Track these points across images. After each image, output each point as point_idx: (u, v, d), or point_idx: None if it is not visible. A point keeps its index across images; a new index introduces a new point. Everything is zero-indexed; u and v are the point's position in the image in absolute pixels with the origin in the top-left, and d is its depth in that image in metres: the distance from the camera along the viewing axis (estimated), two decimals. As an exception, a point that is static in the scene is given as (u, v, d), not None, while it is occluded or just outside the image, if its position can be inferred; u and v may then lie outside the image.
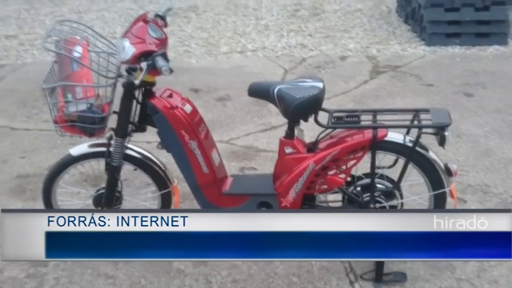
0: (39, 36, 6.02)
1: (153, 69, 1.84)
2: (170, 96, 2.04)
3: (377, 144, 1.88)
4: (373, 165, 1.93)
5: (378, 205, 1.99)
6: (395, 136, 1.91)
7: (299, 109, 1.87)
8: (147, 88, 2.00)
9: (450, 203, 2.05)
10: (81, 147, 2.14)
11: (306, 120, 1.96)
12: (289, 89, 1.89)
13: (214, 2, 6.95)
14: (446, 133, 1.80)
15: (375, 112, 1.99)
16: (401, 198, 2.03)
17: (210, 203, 2.14)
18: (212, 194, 2.11)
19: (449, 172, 1.93)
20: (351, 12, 6.23)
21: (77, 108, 1.94)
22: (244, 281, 2.16)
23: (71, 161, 2.15)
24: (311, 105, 1.88)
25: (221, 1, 6.96)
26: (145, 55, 1.81)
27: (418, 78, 4.22)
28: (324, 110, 2.02)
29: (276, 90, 1.92)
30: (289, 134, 1.98)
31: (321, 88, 1.90)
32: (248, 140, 3.39)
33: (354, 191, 2.03)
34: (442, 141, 1.82)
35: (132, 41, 1.84)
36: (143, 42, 1.83)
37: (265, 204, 2.10)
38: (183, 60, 5.04)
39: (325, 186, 2.00)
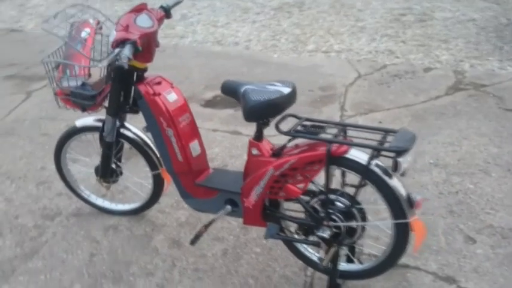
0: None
1: (137, 55, 1.97)
2: (158, 83, 2.14)
3: (334, 160, 1.78)
4: (327, 180, 1.83)
5: (332, 223, 1.88)
6: (355, 154, 1.78)
7: (252, 112, 1.84)
8: (138, 73, 2.12)
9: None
10: (85, 120, 2.35)
11: (263, 123, 1.91)
12: (252, 90, 1.87)
13: (323, -1, 6.90)
14: (400, 159, 1.64)
15: (344, 127, 1.88)
16: (364, 220, 1.90)
17: (185, 190, 2.22)
18: (187, 182, 2.18)
19: (410, 203, 1.76)
20: (462, 22, 5.73)
21: (68, 84, 2.14)
22: (205, 272, 2.20)
23: (75, 131, 2.37)
24: (265, 109, 1.83)
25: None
26: (123, 42, 1.92)
27: (500, 101, 3.78)
28: (294, 116, 1.96)
29: (242, 90, 1.91)
30: (257, 136, 1.96)
31: (284, 94, 1.84)
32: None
33: (314, 205, 1.94)
34: (394, 167, 1.66)
35: (117, 28, 1.97)
36: (123, 30, 1.94)
37: (232, 201, 2.12)
38: (266, 54, 5.12)
39: (284, 194, 1.94)
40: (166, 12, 2.20)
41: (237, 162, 3.07)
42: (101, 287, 2.14)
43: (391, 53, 4.91)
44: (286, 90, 1.85)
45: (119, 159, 2.44)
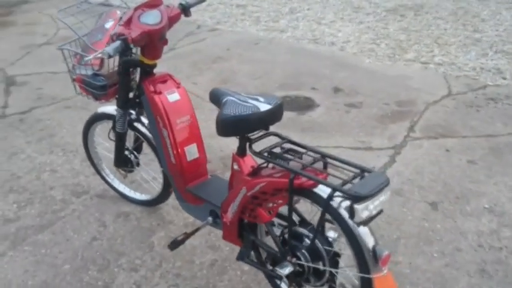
0: (261, 10, 6.59)
1: (145, 51, 1.97)
2: (164, 81, 2.10)
3: (298, 190, 1.59)
4: (290, 211, 1.64)
5: (294, 260, 1.69)
6: (321, 187, 1.57)
7: (222, 126, 1.70)
8: (147, 69, 2.10)
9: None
10: (107, 107, 2.41)
11: (243, 138, 1.77)
12: (230, 102, 1.74)
13: (445, 4, 6.29)
14: (357, 206, 1.40)
15: (324, 156, 1.66)
16: (334, 265, 1.67)
17: (178, 192, 2.18)
18: (179, 185, 2.14)
19: (375, 257, 1.50)
20: None
21: (80, 72, 2.20)
22: (184, 279, 2.15)
23: (97, 117, 2.46)
24: (235, 125, 1.68)
25: (453, 5, 6.25)
26: (119, 37, 1.90)
27: None
28: (278, 135, 1.79)
29: (223, 101, 1.79)
30: (239, 151, 1.83)
31: (259, 111, 1.67)
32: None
33: (282, 236, 1.77)
34: (350, 214, 1.42)
35: (120, 23, 1.97)
36: (124, 25, 1.92)
37: (215, 213, 2.03)
38: (359, 58, 4.83)
39: (255, 217, 1.79)
40: (185, 10, 2.14)
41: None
42: (86, 272, 2.20)
43: (498, 73, 4.30)
44: (264, 107, 1.69)
45: (137, 151, 2.47)
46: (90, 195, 2.76)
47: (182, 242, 2.08)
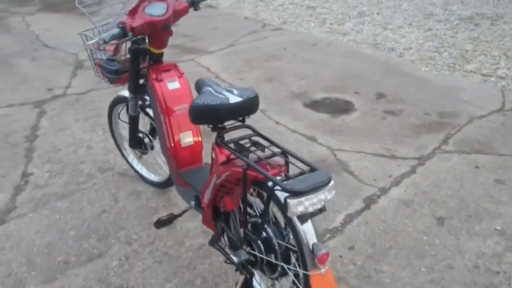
0: (330, 12, 6.57)
1: (150, 41, 2.12)
2: (167, 70, 2.23)
3: (254, 182, 1.64)
4: (244, 202, 1.68)
5: (248, 249, 1.74)
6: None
7: (191, 113, 1.79)
8: (154, 58, 2.24)
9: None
10: (124, 92, 2.59)
11: (218, 127, 1.83)
12: (207, 92, 1.81)
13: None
14: (290, 201, 1.41)
15: (284, 152, 1.68)
16: (286, 260, 1.69)
17: (172, 174, 2.31)
18: (173, 169, 2.27)
19: (313, 253, 1.51)
20: None
21: (97, 56, 2.39)
22: (169, 258, 2.26)
23: (118, 100, 2.65)
24: (201, 114, 1.74)
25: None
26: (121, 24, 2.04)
27: None
28: (250, 128, 1.83)
29: (202, 90, 1.87)
30: (216, 140, 1.90)
31: (228, 102, 1.71)
32: (357, 162, 3.11)
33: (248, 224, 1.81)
34: (284, 207, 1.44)
35: (126, 11, 2.11)
36: (128, 14, 2.07)
37: (198, 198, 2.12)
38: (415, 66, 4.68)
39: (224, 205, 1.86)
40: (193, 4, 2.25)
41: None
42: (87, 240, 2.40)
43: None
44: (235, 99, 1.74)
45: (152, 134, 2.62)
46: (113, 172, 2.97)
47: (168, 222, 2.20)
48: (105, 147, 3.26)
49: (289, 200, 1.42)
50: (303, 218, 1.49)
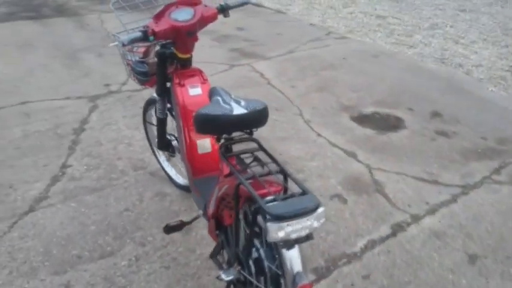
0: (400, 23, 6.31)
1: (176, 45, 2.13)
2: (191, 75, 2.21)
3: (247, 198, 1.57)
4: (236, 218, 1.61)
5: (239, 268, 1.66)
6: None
7: (194, 122, 1.74)
8: (181, 63, 2.23)
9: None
10: (156, 94, 2.62)
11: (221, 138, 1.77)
12: (215, 101, 1.75)
13: None
14: (269, 224, 1.32)
15: (283, 172, 1.58)
16: (274, 284, 1.60)
17: (189, 179, 2.29)
18: (189, 174, 2.25)
19: (294, 282, 1.41)
20: None
21: (128, 58, 2.42)
22: (177, 264, 2.24)
23: (150, 102, 2.68)
24: (203, 123, 1.68)
25: None
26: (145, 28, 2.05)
27: None
28: (255, 142, 1.76)
29: (211, 99, 1.82)
30: (222, 152, 1.85)
31: (231, 114, 1.64)
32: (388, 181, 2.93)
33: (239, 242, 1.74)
34: (265, 232, 1.35)
35: (153, 15, 2.12)
36: (154, 18, 2.07)
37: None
38: (482, 84, 4.37)
39: (222, 219, 1.81)
40: (223, 11, 2.22)
41: (316, 184, 2.85)
42: (103, 237, 2.44)
43: None
44: (239, 111, 1.68)
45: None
46: (145, 171, 3.01)
47: (176, 228, 2.18)
48: (144, 145, 3.32)
49: (268, 224, 1.34)
50: (287, 244, 1.39)
